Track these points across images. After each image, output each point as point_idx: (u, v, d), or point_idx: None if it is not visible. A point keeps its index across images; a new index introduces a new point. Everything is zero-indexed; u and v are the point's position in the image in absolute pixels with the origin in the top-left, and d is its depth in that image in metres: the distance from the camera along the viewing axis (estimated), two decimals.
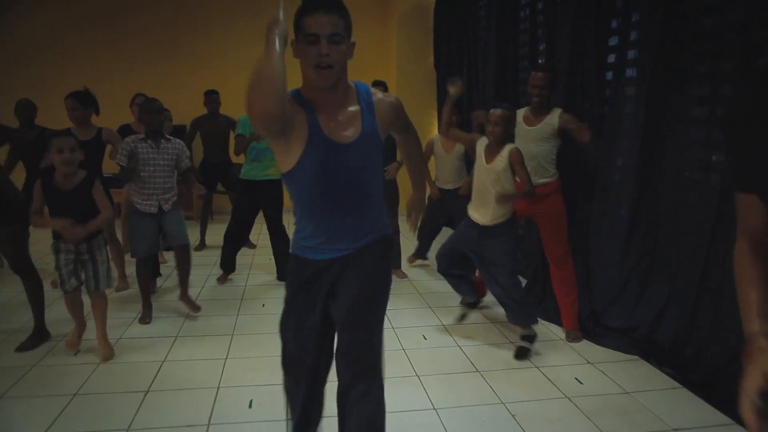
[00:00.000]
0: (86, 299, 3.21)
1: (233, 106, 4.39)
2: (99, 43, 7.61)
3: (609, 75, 3.63)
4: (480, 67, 6.08)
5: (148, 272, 3.83)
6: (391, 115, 1.74)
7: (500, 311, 3.54)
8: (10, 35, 7.44)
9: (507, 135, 3.19)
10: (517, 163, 3.10)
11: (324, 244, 1.73)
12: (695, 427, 2.49)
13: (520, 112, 3.49)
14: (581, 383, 2.91)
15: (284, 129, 1.51)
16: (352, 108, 1.65)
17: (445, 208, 4.65)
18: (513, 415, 2.58)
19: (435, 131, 7.87)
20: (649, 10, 3.14)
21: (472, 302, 3.79)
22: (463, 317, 3.73)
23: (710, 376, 2.79)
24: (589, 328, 3.52)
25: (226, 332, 3.57)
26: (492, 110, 3.16)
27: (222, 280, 4.62)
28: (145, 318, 3.73)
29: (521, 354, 3.22)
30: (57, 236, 3.08)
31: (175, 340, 3.45)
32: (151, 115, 3.59)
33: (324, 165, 1.60)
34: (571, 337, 3.44)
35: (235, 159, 5.25)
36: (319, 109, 1.60)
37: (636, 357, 3.20)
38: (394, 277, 4.10)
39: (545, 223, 3.47)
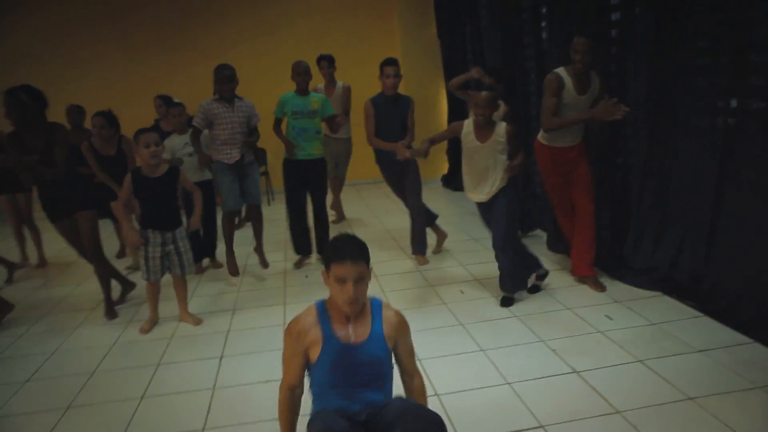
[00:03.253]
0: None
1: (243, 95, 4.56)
2: (107, 38, 7.78)
3: (613, 33, 3.83)
4: (483, 33, 6.24)
5: (233, 225, 4.30)
6: (395, 324, 1.88)
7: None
8: (18, 32, 7.60)
9: (492, 116, 3.34)
10: (513, 137, 3.34)
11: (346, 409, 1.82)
12: (719, 347, 2.78)
13: (566, 78, 3.46)
14: (611, 319, 3.20)
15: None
16: (365, 317, 1.87)
17: None
18: (553, 350, 2.88)
19: (443, 101, 8.07)
20: None
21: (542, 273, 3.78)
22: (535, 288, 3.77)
23: (728, 303, 3.07)
24: (613, 270, 3.80)
25: (278, 302, 3.89)
26: (478, 94, 3.29)
27: (298, 264, 4.74)
28: (233, 271, 4.32)
29: (506, 302, 3.51)
30: (145, 226, 3.41)
31: (234, 312, 3.77)
32: (222, 84, 3.97)
33: (335, 361, 1.81)
34: (596, 286, 3.66)
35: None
36: (336, 319, 1.84)
37: (659, 293, 3.48)
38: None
39: (578, 180, 3.65)
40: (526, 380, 2.62)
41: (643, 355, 2.76)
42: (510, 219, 3.44)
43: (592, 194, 3.69)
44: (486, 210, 3.58)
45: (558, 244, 4.36)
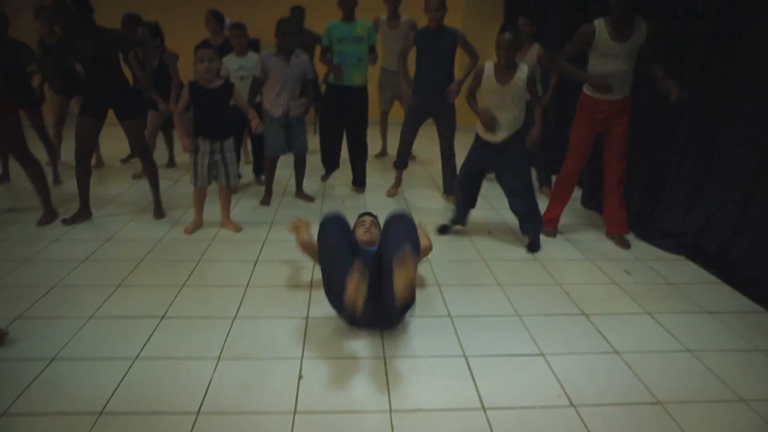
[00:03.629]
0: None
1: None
2: None
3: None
4: None
5: (274, 168, 4.51)
6: None
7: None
8: None
9: (514, 58, 3.35)
10: (532, 83, 3.41)
11: None
12: (730, 312, 2.85)
13: (600, 26, 3.43)
14: (629, 274, 3.29)
15: None
16: None
17: None
18: (567, 293, 3.02)
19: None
20: None
21: (448, 225, 3.96)
22: (445, 229, 3.94)
23: (749, 275, 3.10)
24: (641, 229, 3.86)
25: None
26: (499, 35, 3.29)
27: (324, 177, 5.16)
28: (265, 202, 4.51)
29: (532, 248, 3.62)
30: (197, 134, 3.64)
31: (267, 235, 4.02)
32: (283, 37, 4.08)
33: None
34: (622, 243, 3.73)
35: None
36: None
37: (682, 257, 3.53)
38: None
39: (614, 139, 3.61)
40: (534, 315, 2.77)
41: (653, 308, 2.86)
42: (527, 164, 3.57)
43: (625, 156, 3.67)
44: (495, 153, 3.54)
45: (591, 200, 4.41)
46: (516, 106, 3.41)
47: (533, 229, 3.67)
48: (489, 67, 3.43)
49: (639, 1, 3.42)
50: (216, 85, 3.62)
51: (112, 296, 2.89)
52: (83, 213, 4.03)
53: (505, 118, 3.44)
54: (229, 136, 3.74)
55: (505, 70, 3.37)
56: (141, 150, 4.03)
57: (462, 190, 3.81)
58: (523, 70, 3.37)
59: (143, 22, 4.80)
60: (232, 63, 4.55)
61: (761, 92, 3.08)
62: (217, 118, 3.65)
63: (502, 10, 7.63)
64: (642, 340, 2.55)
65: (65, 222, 3.93)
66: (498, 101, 3.42)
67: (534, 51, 4.44)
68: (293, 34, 4.13)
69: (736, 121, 3.30)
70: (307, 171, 4.74)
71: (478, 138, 3.61)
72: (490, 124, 3.45)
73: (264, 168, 4.55)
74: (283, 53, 4.14)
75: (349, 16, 4.47)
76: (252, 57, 4.53)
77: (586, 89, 3.63)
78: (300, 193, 4.70)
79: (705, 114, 3.49)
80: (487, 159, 3.63)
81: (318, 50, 5.07)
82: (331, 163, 5.03)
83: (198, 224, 3.89)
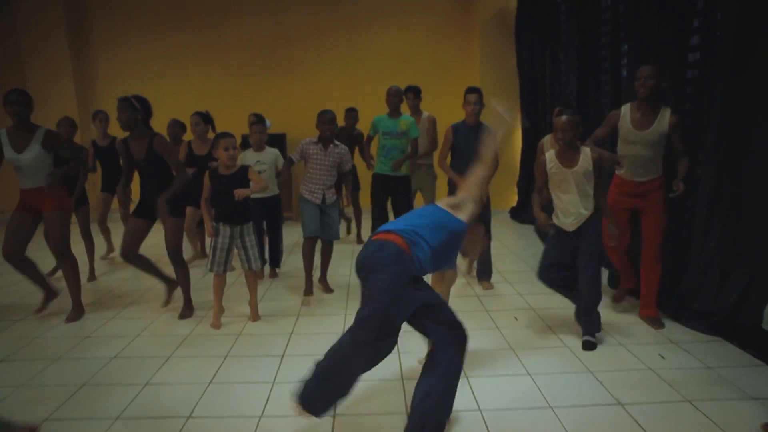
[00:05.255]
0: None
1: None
2: (210, 59, 8.51)
3: (689, 73, 3.86)
4: (562, 69, 6.33)
5: (312, 250, 4.49)
6: None
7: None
8: (133, 48, 8.49)
9: (576, 138, 3.30)
10: (598, 162, 3.30)
11: None
12: None
13: (626, 112, 3.58)
14: (664, 358, 3.18)
15: None
16: None
17: None
18: (600, 382, 2.92)
19: (518, 134, 8.15)
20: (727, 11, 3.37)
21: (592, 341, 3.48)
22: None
23: None
24: (672, 310, 3.76)
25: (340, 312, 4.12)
26: (558, 117, 3.29)
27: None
28: (308, 292, 4.51)
29: (588, 346, 3.35)
30: (217, 220, 3.79)
31: (297, 318, 4.03)
32: (324, 126, 4.33)
33: None
34: (654, 324, 3.65)
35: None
36: None
37: (719, 338, 3.41)
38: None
39: (651, 215, 3.65)
40: (568, 406, 2.68)
41: (693, 396, 2.74)
42: (599, 251, 3.42)
43: (661, 238, 3.67)
44: (568, 239, 3.43)
45: (618, 281, 4.34)
46: (585, 189, 3.31)
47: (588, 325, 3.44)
48: (550, 155, 3.39)
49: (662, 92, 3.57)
50: (233, 170, 3.80)
51: (139, 395, 2.89)
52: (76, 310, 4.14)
53: (575, 202, 3.34)
54: (248, 221, 3.86)
55: (568, 153, 3.33)
56: (175, 251, 4.06)
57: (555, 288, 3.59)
58: (586, 151, 3.32)
59: (196, 113, 5.12)
60: (249, 157, 4.75)
61: None
62: (237, 202, 3.75)
63: (517, 89, 7.93)
64: None
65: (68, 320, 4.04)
66: (565, 186, 3.36)
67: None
68: (333, 122, 4.35)
69: (757, 194, 3.30)
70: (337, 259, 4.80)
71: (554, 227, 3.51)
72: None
73: (303, 253, 4.52)
74: (323, 142, 4.36)
75: (394, 112, 4.90)
76: (270, 152, 4.79)
77: (616, 168, 3.74)
78: (323, 280, 4.73)
79: (725, 185, 3.50)
80: (567, 249, 3.46)
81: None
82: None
83: (220, 312, 3.92)
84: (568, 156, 3.34)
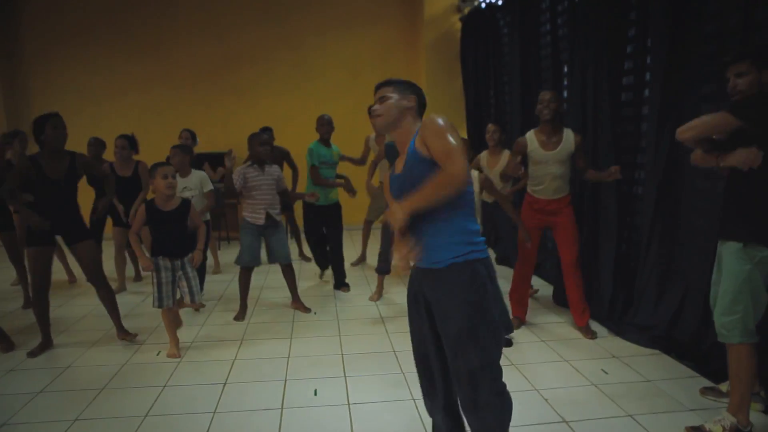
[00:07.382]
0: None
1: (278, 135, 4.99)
2: (150, 75, 8.28)
3: (623, 96, 4.02)
4: (506, 89, 6.47)
5: (249, 280, 4.44)
6: (421, 129, 1.95)
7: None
8: (68, 64, 8.16)
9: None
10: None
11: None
12: (711, 408, 2.80)
13: (532, 138, 3.78)
14: (606, 373, 3.24)
15: None
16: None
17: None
18: (546, 399, 2.93)
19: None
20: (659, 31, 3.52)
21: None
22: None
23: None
24: (614, 325, 3.85)
25: (285, 335, 4.01)
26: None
27: (321, 275, 5.66)
28: (239, 316, 4.41)
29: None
30: (156, 254, 3.58)
31: (241, 342, 3.90)
32: (261, 147, 4.25)
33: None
34: (587, 333, 3.79)
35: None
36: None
37: (657, 351, 3.51)
38: None
39: (563, 230, 3.83)
40: (515, 426, 2.66)
41: (634, 410, 2.79)
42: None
43: (576, 248, 3.82)
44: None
45: (563, 297, 4.42)
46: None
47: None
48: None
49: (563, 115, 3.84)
50: (173, 205, 3.59)
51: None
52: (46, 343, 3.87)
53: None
54: (188, 253, 3.69)
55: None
56: (94, 272, 3.86)
57: None
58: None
59: (121, 136, 4.95)
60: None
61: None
62: (177, 237, 3.60)
63: (464, 109, 8.05)
64: None
65: (30, 354, 3.73)
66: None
67: (504, 156, 4.65)
68: (267, 144, 4.30)
69: (692, 212, 3.44)
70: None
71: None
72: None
73: (239, 280, 4.43)
74: (258, 163, 4.31)
75: (326, 141, 4.94)
76: (195, 175, 4.64)
77: (528, 187, 3.95)
78: (296, 302, 4.63)
79: (663, 204, 3.63)
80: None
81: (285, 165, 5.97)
82: (322, 261, 5.49)
83: (177, 343, 3.72)
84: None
